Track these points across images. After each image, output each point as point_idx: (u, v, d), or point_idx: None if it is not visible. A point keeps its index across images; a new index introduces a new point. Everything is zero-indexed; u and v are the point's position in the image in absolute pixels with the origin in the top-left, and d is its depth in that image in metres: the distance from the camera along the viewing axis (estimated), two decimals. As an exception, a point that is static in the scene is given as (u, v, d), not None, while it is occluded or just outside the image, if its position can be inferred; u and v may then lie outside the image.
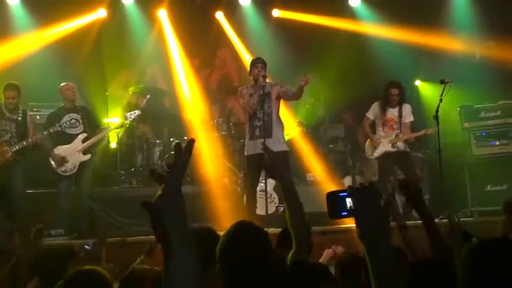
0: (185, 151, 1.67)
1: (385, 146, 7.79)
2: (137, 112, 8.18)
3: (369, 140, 8.04)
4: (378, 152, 7.86)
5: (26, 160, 7.43)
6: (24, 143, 7.27)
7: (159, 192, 1.73)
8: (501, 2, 9.60)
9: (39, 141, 7.36)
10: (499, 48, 9.55)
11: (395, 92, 7.74)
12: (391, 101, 7.77)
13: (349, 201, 1.82)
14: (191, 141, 1.70)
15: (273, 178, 2.44)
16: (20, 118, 7.42)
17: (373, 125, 8.03)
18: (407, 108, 7.88)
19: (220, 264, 2.29)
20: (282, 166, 7.08)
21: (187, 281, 1.56)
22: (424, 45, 9.78)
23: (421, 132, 7.86)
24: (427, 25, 9.65)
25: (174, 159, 1.69)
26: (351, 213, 1.81)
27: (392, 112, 7.84)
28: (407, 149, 7.94)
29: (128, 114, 8.13)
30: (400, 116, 7.81)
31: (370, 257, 1.75)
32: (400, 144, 7.82)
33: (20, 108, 7.49)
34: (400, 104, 7.83)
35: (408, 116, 7.86)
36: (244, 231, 2.36)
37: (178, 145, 1.69)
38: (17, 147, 7.25)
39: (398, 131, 7.80)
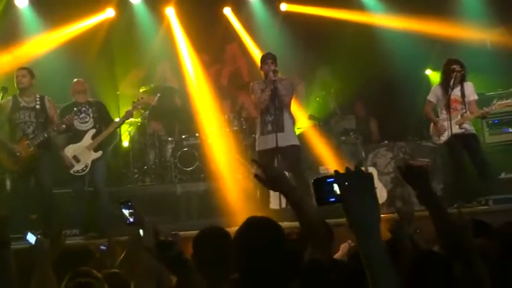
0: None
1: (451, 129, 7.32)
2: (141, 99, 7.96)
3: (433, 125, 7.65)
4: (445, 136, 7.41)
5: (52, 154, 7.27)
6: (45, 134, 7.08)
7: None
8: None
9: (67, 122, 7.15)
10: (509, 34, 9.47)
11: (458, 68, 7.34)
12: (454, 78, 7.30)
13: (336, 187, 1.76)
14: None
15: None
16: (38, 106, 7.21)
17: (435, 109, 7.66)
18: (469, 87, 7.50)
19: (235, 256, 2.33)
20: (293, 160, 7.11)
21: None
22: (434, 34, 9.71)
23: (492, 108, 7.54)
24: (436, 14, 9.58)
25: None
26: (339, 199, 1.76)
27: (455, 92, 7.42)
28: (475, 132, 7.62)
29: (135, 103, 7.83)
30: (463, 95, 7.44)
31: (361, 247, 1.69)
32: (468, 126, 7.47)
33: (37, 95, 7.30)
34: (461, 83, 7.44)
35: (472, 94, 7.47)
36: (256, 223, 2.41)
37: None
38: (40, 139, 7.06)
39: (464, 111, 7.43)
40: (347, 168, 1.76)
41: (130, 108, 7.80)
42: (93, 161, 7.39)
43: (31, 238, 3.25)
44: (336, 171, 1.77)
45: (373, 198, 1.74)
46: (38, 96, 7.31)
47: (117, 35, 10.45)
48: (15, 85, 7.27)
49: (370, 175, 1.78)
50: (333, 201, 1.78)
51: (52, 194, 7.28)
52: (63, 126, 7.22)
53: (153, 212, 6.95)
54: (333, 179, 1.78)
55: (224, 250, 2.37)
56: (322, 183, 1.80)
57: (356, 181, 1.74)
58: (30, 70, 7.36)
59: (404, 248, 2.92)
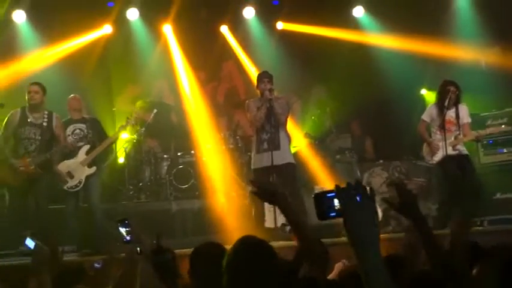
0: None
1: (446, 149, 7.33)
2: (135, 115, 7.97)
3: (426, 144, 7.66)
4: (438, 157, 7.44)
5: (51, 175, 7.20)
6: (48, 155, 7.03)
7: None
8: (505, 8, 9.58)
9: (70, 146, 7.17)
10: (504, 54, 9.53)
11: (453, 89, 7.37)
12: (450, 100, 7.33)
13: (336, 202, 1.77)
14: None
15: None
16: (45, 123, 7.11)
17: (429, 128, 7.67)
18: (464, 109, 7.53)
19: (227, 277, 2.33)
20: (289, 178, 7.11)
21: None
22: (429, 54, 9.77)
23: (486, 131, 7.59)
24: (431, 34, 9.66)
25: None
26: (339, 214, 1.76)
27: (450, 113, 7.45)
28: (467, 153, 7.63)
29: (129, 119, 7.82)
30: (457, 117, 7.47)
31: (360, 263, 1.68)
32: (461, 147, 7.51)
33: (46, 112, 7.20)
34: (456, 105, 7.47)
35: (466, 117, 7.51)
36: (249, 244, 2.40)
37: None
38: (42, 159, 7.00)
39: (457, 133, 7.48)
40: (348, 184, 1.76)
41: (124, 123, 7.78)
42: (87, 177, 7.30)
43: (30, 243, 3.17)
44: (337, 186, 1.77)
45: (373, 214, 1.73)
46: (46, 112, 7.22)
47: (114, 52, 10.48)
48: (27, 101, 7.17)
49: (371, 191, 1.78)
50: (333, 216, 1.78)
51: (47, 213, 7.21)
52: (67, 150, 7.22)
53: (148, 229, 6.90)
54: (333, 194, 1.78)
55: (221, 265, 2.38)
56: (322, 198, 1.80)
57: (356, 196, 1.74)
58: (42, 86, 7.27)
59: (403, 265, 2.92)
